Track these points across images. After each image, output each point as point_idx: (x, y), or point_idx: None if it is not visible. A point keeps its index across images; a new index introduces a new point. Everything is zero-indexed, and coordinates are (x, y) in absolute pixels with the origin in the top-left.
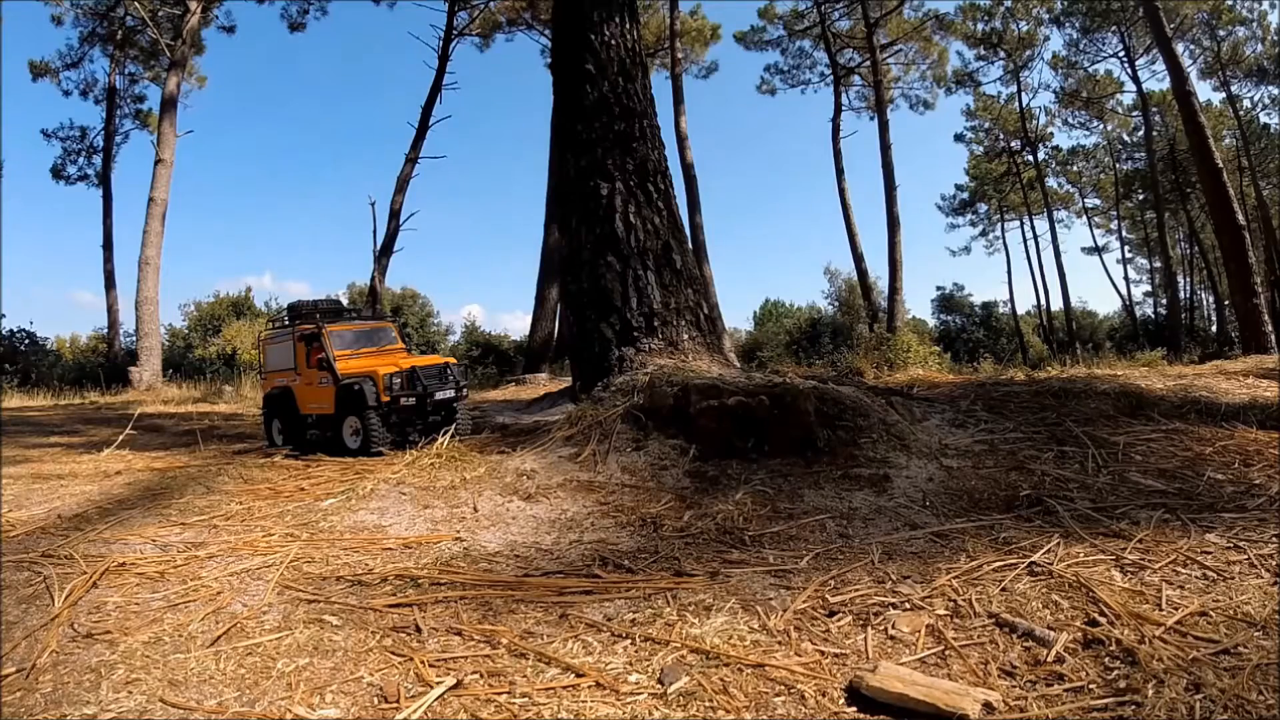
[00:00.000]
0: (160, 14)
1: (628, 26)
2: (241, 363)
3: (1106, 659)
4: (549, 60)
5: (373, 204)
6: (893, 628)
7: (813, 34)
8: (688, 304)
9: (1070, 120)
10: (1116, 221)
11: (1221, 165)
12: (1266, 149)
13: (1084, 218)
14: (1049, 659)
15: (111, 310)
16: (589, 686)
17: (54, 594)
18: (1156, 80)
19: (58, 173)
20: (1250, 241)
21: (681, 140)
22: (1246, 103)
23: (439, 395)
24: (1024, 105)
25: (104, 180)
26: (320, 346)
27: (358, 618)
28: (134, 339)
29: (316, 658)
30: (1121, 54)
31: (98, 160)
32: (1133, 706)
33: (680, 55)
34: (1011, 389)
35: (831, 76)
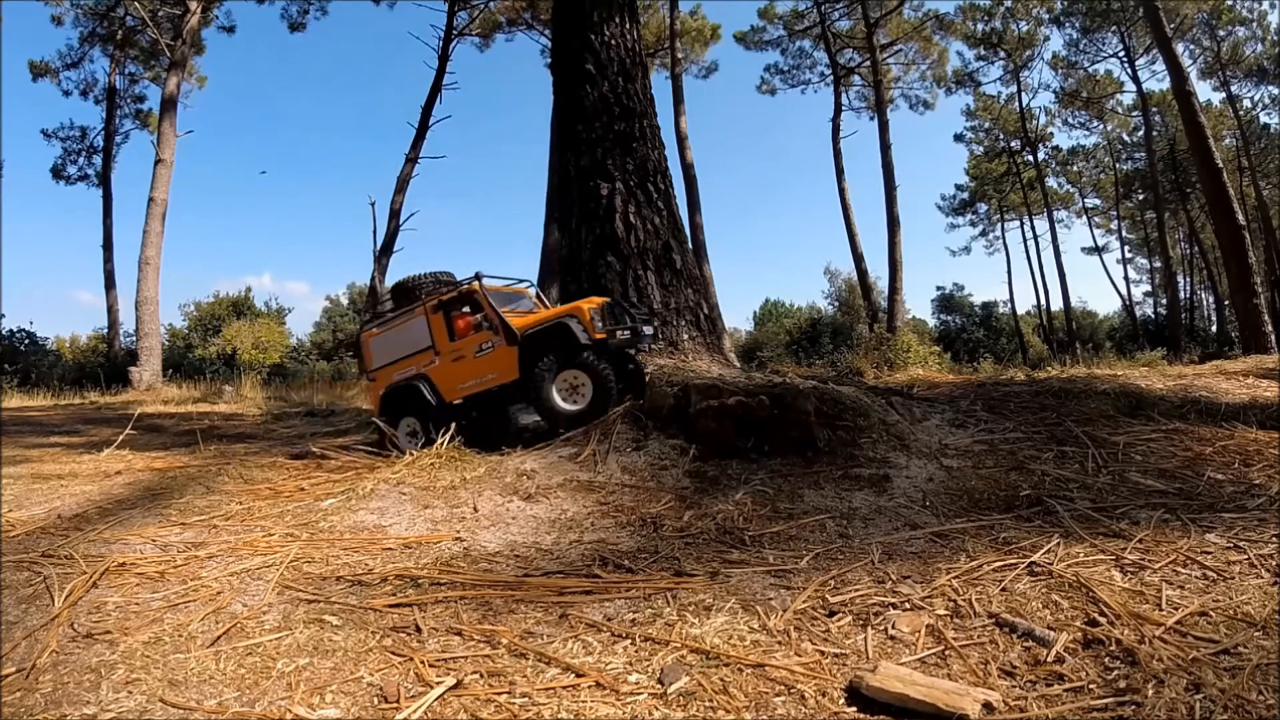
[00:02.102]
0: (160, 14)
1: (628, 26)
2: (241, 363)
3: (1106, 659)
4: (549, 60)
5: (373, 204)
6: (893, 628)
7: (813, 34)
8: (688, 304)
9: (1070, 120)
10: (1116, 221)
11: (1221, 165)
12: (1266, 149)
13: (1084, 218)
14: (1049, 659)
15: (111, 310)
16: (589, 686)
17: (54, 594)
18: (1156, 80)
19: (58, 173)
20: (1250, 241)
21: (681, 140)
22: (1246, 103)
23: (646, 330)
24: (1024, 105)
25: (104, 180)
26: (469, 312)
27: (358, 618)
28: (134, 339)
29: (316, 658)
30: (1121, 54)
31: (98, 160)
32: (1133, 706)
33: (680, 55)
34: (1011, 389)
35: (831, 76)
